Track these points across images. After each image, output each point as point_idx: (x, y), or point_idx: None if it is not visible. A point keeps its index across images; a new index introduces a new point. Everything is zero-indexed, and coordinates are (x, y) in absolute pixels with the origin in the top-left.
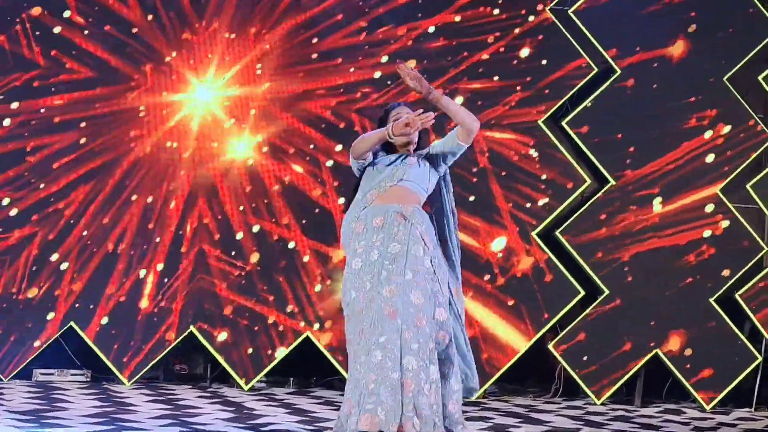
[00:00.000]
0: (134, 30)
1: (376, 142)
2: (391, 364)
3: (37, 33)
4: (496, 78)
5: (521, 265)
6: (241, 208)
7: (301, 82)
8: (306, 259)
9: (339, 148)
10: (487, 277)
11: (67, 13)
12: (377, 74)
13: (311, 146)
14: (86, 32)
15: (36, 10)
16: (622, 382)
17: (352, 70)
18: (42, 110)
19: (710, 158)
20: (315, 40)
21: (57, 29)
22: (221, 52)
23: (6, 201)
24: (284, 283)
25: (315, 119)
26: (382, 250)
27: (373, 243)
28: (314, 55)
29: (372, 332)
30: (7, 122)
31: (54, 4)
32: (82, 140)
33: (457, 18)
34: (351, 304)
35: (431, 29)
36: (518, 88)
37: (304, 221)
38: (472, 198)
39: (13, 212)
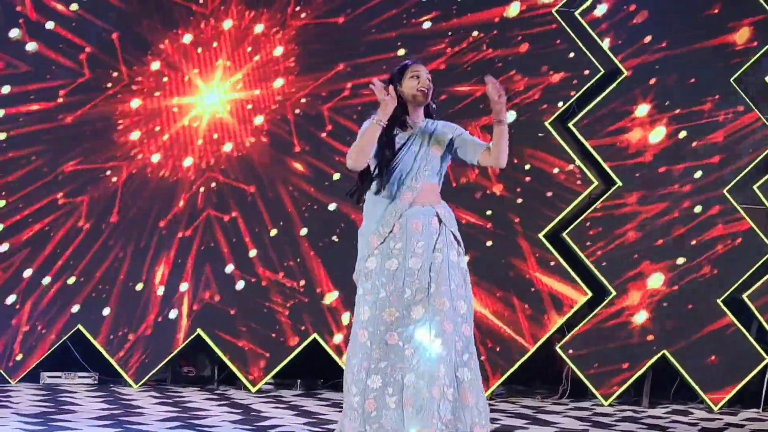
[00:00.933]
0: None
1: (372, 142)
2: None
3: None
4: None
5: (529, 266)
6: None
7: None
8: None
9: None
10: (494, 279)
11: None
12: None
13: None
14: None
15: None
16: (629, 383)
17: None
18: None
19: (717, 159)
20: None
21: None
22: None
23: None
24: (292, 285)
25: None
26: (425, 258)
27: (414, 249)
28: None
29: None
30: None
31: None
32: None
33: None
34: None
35: (426, 25)
36: (523, 88)
37: (312, 225)
38: (479, 196)
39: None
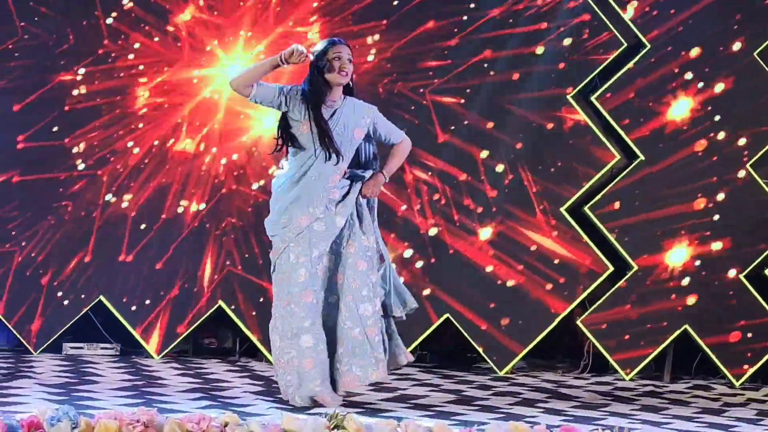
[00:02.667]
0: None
1: (263, 72)
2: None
3: None
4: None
5: (549, 241)
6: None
7: None
8: None
9: None
10: (515, 252)
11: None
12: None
13: None
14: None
15: None
16: (651, 357)
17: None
18: None
19: (740, 133)
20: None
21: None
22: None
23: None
24: None
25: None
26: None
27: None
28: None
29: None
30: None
31: None
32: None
33: None
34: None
35: None
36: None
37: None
38: (500, 170)
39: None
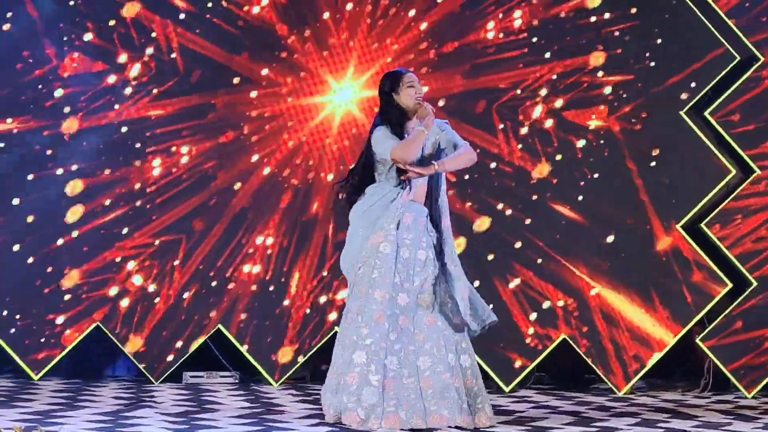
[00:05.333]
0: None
1: (421, 145)
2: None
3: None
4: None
5: (665, 258)
6: None
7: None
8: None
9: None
10: (631, 271)
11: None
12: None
13: None
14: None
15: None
16: None
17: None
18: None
19: None
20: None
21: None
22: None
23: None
24: None
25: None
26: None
27: (420, 243)
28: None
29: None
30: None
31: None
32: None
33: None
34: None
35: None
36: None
37: None
38: (617, 184)
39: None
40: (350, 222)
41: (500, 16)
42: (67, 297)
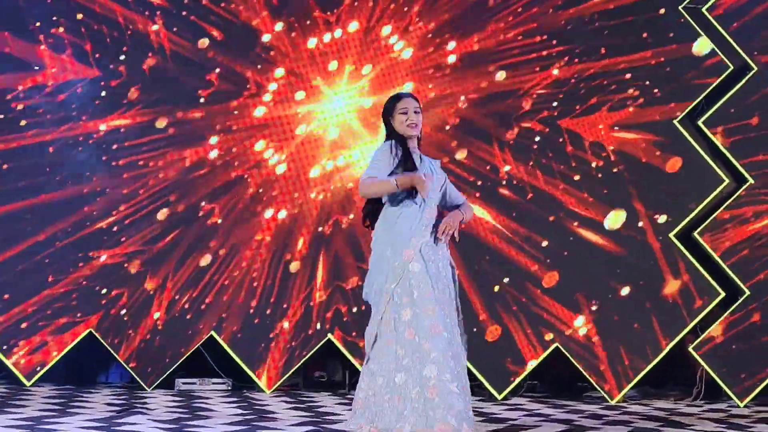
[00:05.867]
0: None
1: (383, 193)
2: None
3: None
4: (627, 76)
5: (658, 267)
6: None
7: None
8: None
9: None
10: (624, 279)
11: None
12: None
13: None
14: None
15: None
16: (765, 383)
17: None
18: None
19: None
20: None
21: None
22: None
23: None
24: None
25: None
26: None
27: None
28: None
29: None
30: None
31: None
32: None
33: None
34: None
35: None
36: (648, 84)
37: None
38: (607, 192)
39: (156, 223)
40: (373, 247)
41: (489, 28)
42: (59, 304)
